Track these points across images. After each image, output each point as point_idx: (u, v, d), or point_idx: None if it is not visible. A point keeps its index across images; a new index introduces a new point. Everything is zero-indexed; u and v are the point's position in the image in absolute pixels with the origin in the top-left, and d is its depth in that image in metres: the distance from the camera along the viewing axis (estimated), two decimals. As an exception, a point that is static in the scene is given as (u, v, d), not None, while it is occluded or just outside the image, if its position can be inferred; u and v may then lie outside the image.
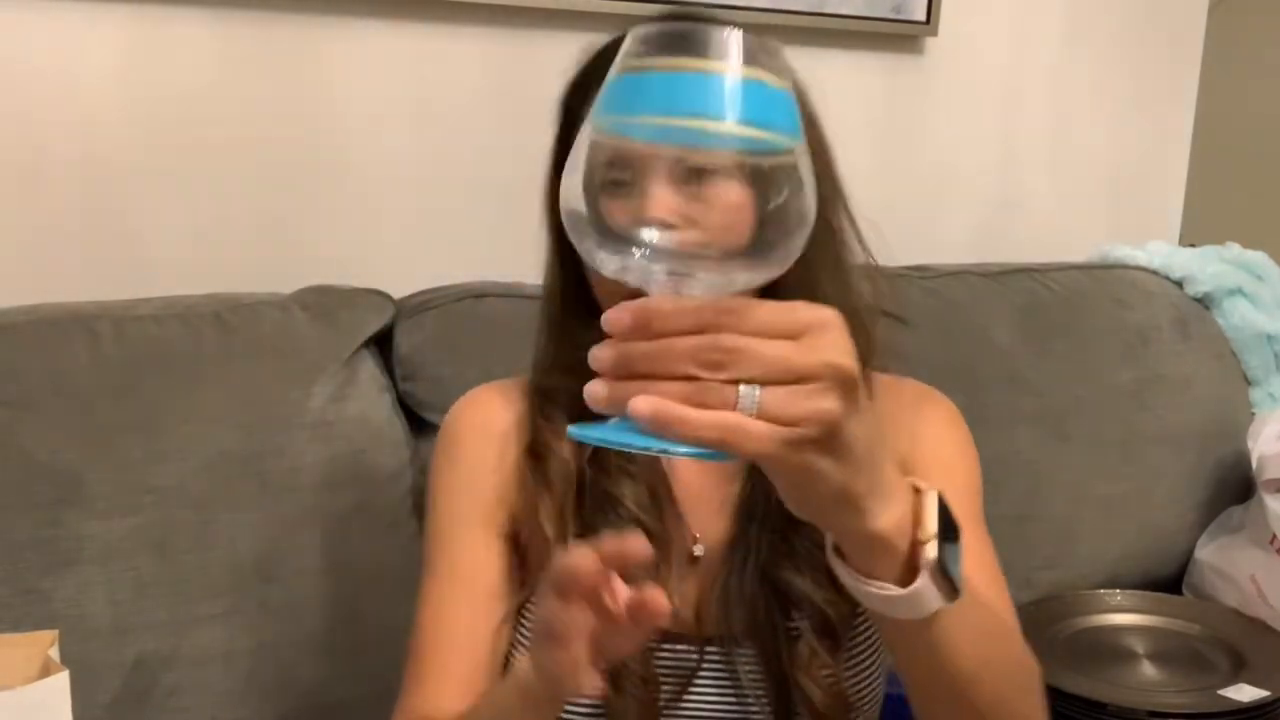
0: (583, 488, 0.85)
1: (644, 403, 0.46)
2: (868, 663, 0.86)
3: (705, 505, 0.88)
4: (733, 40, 0.48)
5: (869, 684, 0.87)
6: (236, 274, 1.30)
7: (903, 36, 1.75)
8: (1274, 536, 1.48)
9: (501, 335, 1.23)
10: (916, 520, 0.58)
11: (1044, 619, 1.47)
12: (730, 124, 0.48)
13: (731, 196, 0.50)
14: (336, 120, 1.38)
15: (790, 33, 1.64)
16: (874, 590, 0.58)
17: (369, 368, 1.23)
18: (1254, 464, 1.54)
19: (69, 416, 1.09)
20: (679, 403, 0.46)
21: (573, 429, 0.50)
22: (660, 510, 0.85)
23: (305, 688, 1.14)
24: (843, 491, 0.52)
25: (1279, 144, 2.02)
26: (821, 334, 0.49)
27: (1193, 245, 1.87)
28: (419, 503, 1.17)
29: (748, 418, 0.47)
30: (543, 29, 1.45)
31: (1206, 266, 1.76)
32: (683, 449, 0.47)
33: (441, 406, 1.00)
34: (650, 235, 0.49)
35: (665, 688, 0.83)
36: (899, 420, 0.88)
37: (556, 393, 0.87)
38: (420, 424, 1.24)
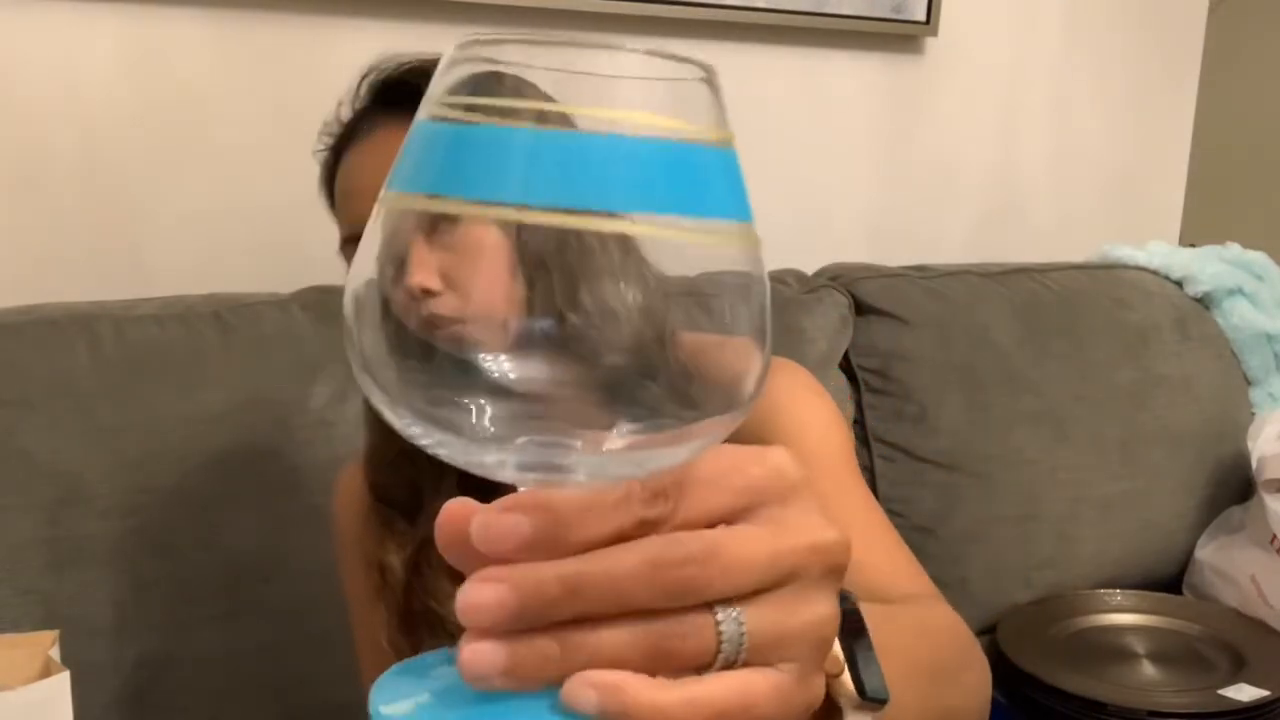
0: (412, 600, 0.80)
1: (593, 691, 0.29)
2: None
3: None
4: (635, 68, 0.30)
5: None
6: (236, 274, 1.30)
7: (903, 36, 1.75)
8: (1274, 536, 1.48)
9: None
10: None
11: (1044, 619, 1.47)
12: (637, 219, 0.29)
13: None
14: (336, 120, 1.38)
15: (790, 33, 1.65)
16: None
17: (369, 368, 1.23)
18: (1254, 464, 1.54)
19: (69, 416, 1.09)
20: (635, 672, 0.29)
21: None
22: None
23: (305, 688, 1.14)
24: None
25: (1279, 144, 2.01)
26: (788, 502, 0.33)
27: (1193, 245, 1.87)
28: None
29: (750, 677, 0.31)
30: (543, 29, 1.45)
31: (1206, 266, 1.76)
32: None
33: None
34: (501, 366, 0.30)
35: None
36: None
37: (390, 490, 0.83)
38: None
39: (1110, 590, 1.55)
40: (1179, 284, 1.75)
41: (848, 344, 1.51)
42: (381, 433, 0.83)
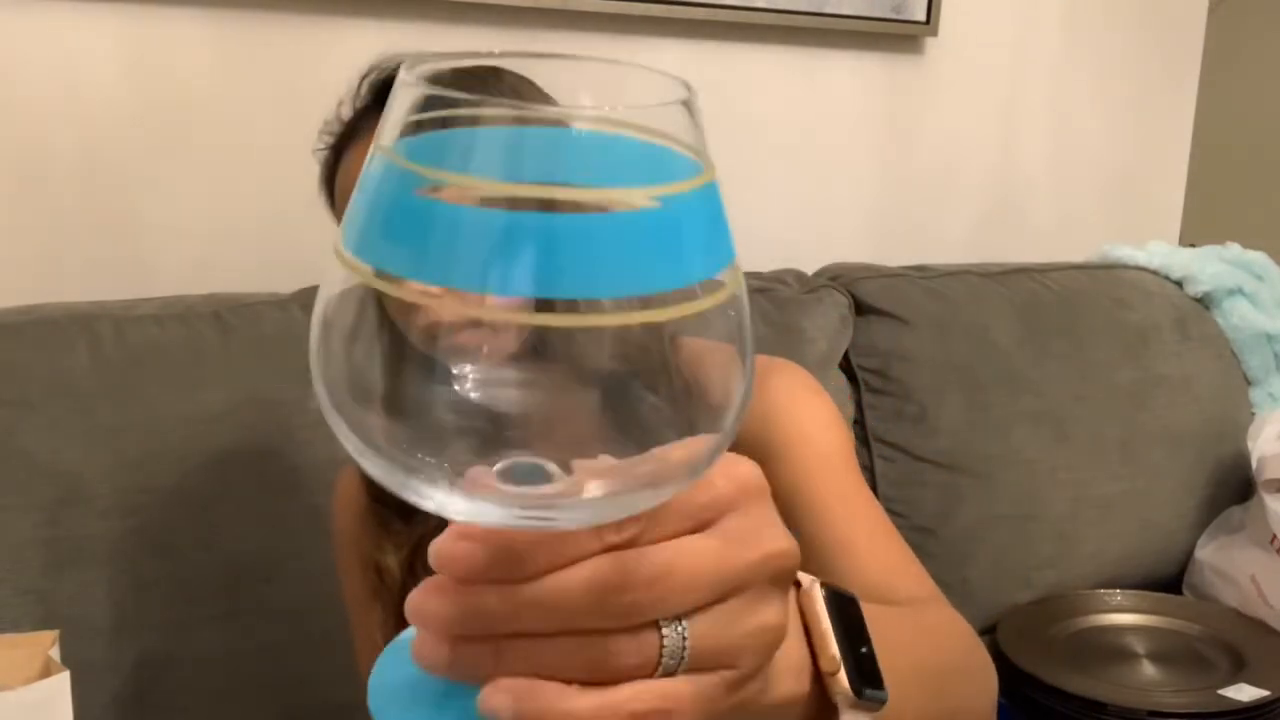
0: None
1: (505, 696, 0.30)
2: None
3: None
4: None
5: None
6: (236, 274, 1.30)
7: (903, 36, 1.75)
8: (1274, 536, 1.48)
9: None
10: (813, 642, 0.43)
11: (1044, 619, 1.47)
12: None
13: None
14: (336, 120, 1.38)
15: (790, 33, 1.65)
16: None
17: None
18: (1254, 464, 1.54)
19: (69, 416, 1.09)
20: (565, 678, 0.30)
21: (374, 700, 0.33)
22: None
23: (305, 688, 1.14)
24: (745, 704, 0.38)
25: (1279, 144, 2.02)
26: (744, 511, 0.34)
27: (1193, 245, 1.87)
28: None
29: (672, 686, 0.31)
30: (543, 29, 1.45)
31: (1206, 266, 1.76)
32: None
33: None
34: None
35: None
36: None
37: (386, 490, 0.83)
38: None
39: (1110, 590, 1.55)
40: (1179, 284, 1.75)
41: (848, 344, 1.51)
42: None
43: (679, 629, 0.31)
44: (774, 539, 0.34)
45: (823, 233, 1.73)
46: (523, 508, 0.29)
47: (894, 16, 1.70)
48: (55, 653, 0.79)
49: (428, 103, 0.28)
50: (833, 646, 0.43)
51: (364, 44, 1.44)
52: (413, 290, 0.27)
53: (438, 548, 0.31)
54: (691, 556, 0.32)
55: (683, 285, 0.29)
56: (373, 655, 0.87)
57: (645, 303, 0.28)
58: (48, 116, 1.24)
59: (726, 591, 0.33)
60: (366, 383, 0.30)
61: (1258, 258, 1.81)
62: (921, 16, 1.72)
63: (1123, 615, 1.51)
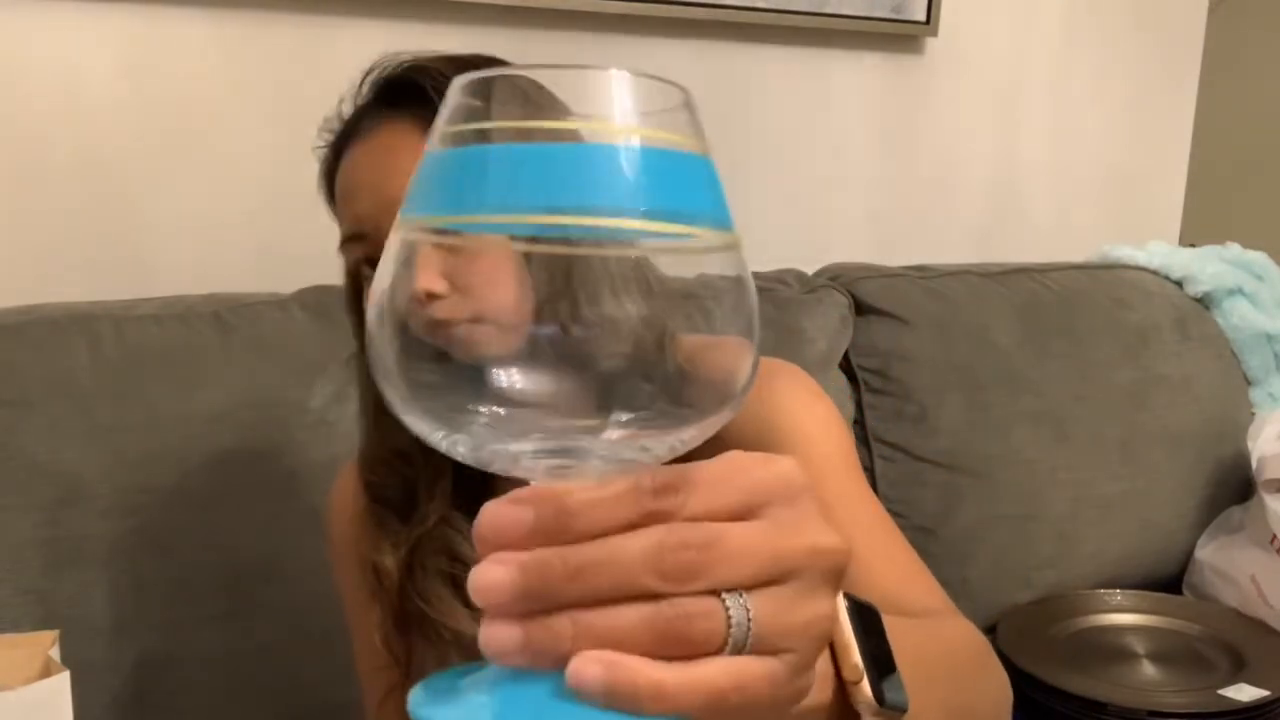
0: (405, 601, 0.80)
1: (596, 667, 0.30)
2: None
3: None
4: (618, 85, 0.32)
5: None
6: (236, 274, 1.30)
7: (903, 36, 1.75)
8: (1274, 536, 1.48)
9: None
10: (835, 651, 0.44)
11: (1044, 619, 1.47)
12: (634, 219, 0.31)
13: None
14: (336, 120, 1.38)
15: (790, 33, 1.65)
16: None
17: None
18: (1254, 464, 1.54)
19: (69, 416, 1.09)
20: (642, 651, 0.31)
21: (426, 713, 0.32)
22: None
23: (305, 688, 1.14)
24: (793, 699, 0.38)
25: (1279, 144, 2.01)
26: (793, 504, 0.35)
27: (1193, 245, 1.87)
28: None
29: (748, 663, 0.32)
30: (544, 29, 1.45)
31: (1206, 266, 1.76)
32: None
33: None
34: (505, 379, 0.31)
35: None
36: (747, 404, 0.81)
37: (384, 490, 0.82)
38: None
39: (1110, 590, 1.55)
40: (1179, 284, 1.75)
41: (848, 344, 1.51)
42: (377, 433, 0.83)
43: (741, 601, 0.32)
44: (823, 533, 0.35)
45: (823, 233, 1.73)
46: (555, 439, 0.31)
47: (894, 16, 1.70)
48: (55, 653, 0.79)
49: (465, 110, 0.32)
50: (855, 655, 0.43)
51: (364, 44, 1.45)
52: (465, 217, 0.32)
53: (485, 516, 0.31)
54: (742, 531, 0.33)
55: (688, 222, 0.32)
56: (370, 657, 0.87)
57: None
58: (48, 116, 1.24)
59: (779, 574, 0.33)
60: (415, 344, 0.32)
61: (1258, 258, 1.81)
62: (921, 16, 1.72)
63: (1123, 615, 1.51)
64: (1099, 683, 1.31)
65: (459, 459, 0.33)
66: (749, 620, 0.32)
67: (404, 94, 0.76)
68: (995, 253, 1.81)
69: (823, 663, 0.42)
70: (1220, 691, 1.29)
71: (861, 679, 0.44)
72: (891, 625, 0.46)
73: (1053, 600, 1.52)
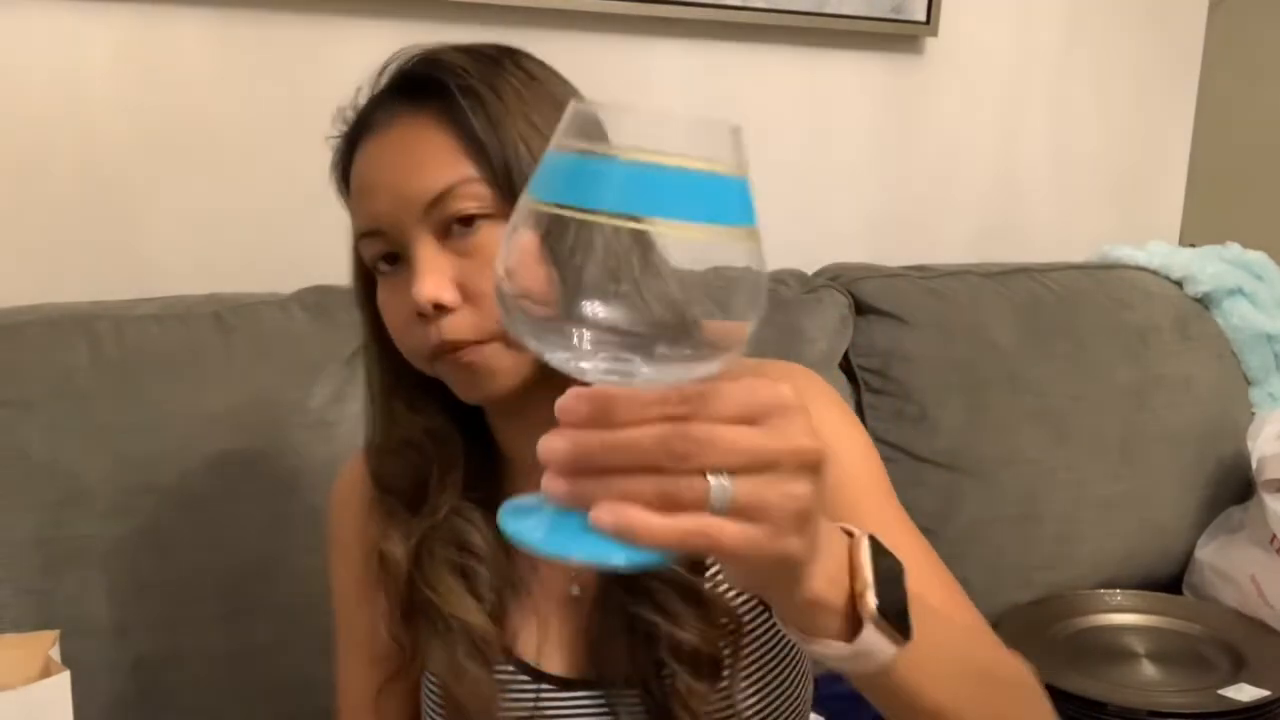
0: (413, 591, 0.80)
1: (607, 513, 0.43)
2: (780, 678, 0.80)
3: None
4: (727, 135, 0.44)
5: (783, 696, 0.81)
6: (236, 274, 1.31)
7: (903, 36, 1.75)
8: (1274, 536, 1.48)
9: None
10: (853, 569, 0.54)
11: (1044, 619, 1.48)
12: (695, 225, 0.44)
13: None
14: (336, 120, 1.38)
15: (790, 33, 1.65)
16: (820, 649, 0.55)
17: (369, 368, 1.23)
18: (1254, 464, 1.54)
19: (69, 416, 1.09)
20: (645, 505, 0.43)
21: (508, 524, 0.46)
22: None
23: (305, 688, 1.14)
24: (787, 563, 0.49)
25: (1279, 144, 2.01)
26: (784, 417, 0.46)
27: (1193, 245, 1.87)
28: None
29: (719, 521, 0.44)
30: (544, 29, 1.45)
31: (1206, 266, 1.76)
32: (630, 558, 0.44)
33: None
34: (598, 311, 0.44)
35: None
36: None
37: (394, 480, 0.82)
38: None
39: (1110, 590, 1.55)
40: (1179, 284, 1.76)
41: (848, 344, 1.51)
42: (386, 422, 0.82)
43: (723, 480, 0.44)
44: (805, 436, 0.46)
45: (823, 233, 1.73)
46: (614, 359, 0.44)
47: (894, 16, 1.70)
48: (55, 653, 0.79)
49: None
50: (867, 572, 0.54)
51: (365, 44, 1.45)
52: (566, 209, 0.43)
53: (559, 403, 0.44)
54: (733, 431, 0.44)
55: (719, 221, 0.45)
56: (356, 651, 0.88)
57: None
58: (48, 116, 1.24)
59: (761, 465, 0.44)
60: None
61: (1258, 258, 1.81)
62: (921, 16, 1.72)
63: (1123, 615, 1.51)
64: (1099, 683, 1.32)
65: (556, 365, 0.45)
66: (726, 494, 0.43)
67: (423, 89, 0.75)
68: (995, 253, 1.81)
69: (837, 569, 0.53)
70: (1220, 691, 1.29)
71: (867, 589, 0.53)
72: (932, 615, 0.57)
73: (1053, 600, 1.52)
